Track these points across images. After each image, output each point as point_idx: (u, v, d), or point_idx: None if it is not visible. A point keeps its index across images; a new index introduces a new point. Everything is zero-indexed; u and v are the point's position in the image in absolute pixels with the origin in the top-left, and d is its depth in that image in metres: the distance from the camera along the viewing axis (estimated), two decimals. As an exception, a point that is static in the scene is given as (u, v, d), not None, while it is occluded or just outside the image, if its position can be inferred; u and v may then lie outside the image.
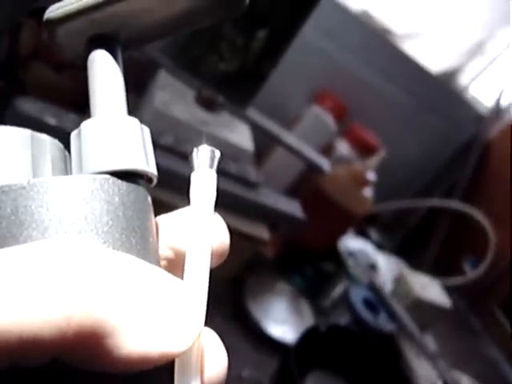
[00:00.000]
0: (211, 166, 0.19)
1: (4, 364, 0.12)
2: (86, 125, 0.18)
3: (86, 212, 0.15)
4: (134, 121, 0.18)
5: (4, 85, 1.03)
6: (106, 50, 0.19)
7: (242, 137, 0.99)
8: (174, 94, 0.93)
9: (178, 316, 0.14)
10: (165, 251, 0.19)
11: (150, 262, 0.16)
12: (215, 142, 0.92)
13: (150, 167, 0.18)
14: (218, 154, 0.19)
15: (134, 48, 0.21)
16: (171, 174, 0.83)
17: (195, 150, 0.19)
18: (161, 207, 0.19)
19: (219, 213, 0.20)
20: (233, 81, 1.03)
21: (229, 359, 0.16)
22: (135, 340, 0.13)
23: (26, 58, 1.01)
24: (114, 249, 0.15)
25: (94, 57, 0.19)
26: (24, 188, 0.15)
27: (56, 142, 0.18)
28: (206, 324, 0.17)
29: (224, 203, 0.92)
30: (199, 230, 0.18)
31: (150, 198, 0.18)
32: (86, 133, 0.17)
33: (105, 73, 0.19)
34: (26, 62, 1.01)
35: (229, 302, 1.09)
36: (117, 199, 0.16)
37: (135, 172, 0.17)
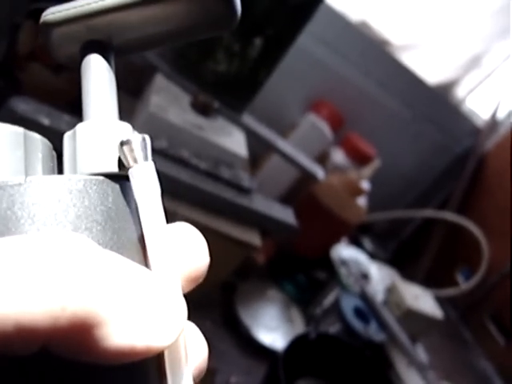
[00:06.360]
0: (146, 158, 0.18)
1: None
2: (81, 127, 0.18)
3: (81, 211, 0.16)
4: (127, 126, 0.19)
5: (1, 84, 1.03)
6: (100, 55, 0.20)
7: (236, 143, 1.00)
8: (169, 99, 0.94)
9: (163, 312, 0.15)
10: None
11: (139, 261, 0.17)
12: (209, 146, 0.93)
13: None
14: (148, 139, 0.18)
15: (127, 54, 0.22)
16: (164, 178, 0.83)
17: (121, 142, 0.17)
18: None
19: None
20: (229, 87, 1.04)
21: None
22: (122, 333, 0.14)
23: (24, 58, 1.02)
24: (105, 247, 0.16)
25: (88, 61, 0.20)
26: (21, 185, 0.16)
27: (46, 140, 0.18)
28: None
29: (216, 208, 0.92)
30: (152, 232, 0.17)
31: None
32: (82, 135, 0.18)
33: (98, 77, 0.19)
34: (24, 62, 1.02)
35: (219, 307, 1.09)
36: (110, 200, 0.17)
37: (128, 175, 0.18)
